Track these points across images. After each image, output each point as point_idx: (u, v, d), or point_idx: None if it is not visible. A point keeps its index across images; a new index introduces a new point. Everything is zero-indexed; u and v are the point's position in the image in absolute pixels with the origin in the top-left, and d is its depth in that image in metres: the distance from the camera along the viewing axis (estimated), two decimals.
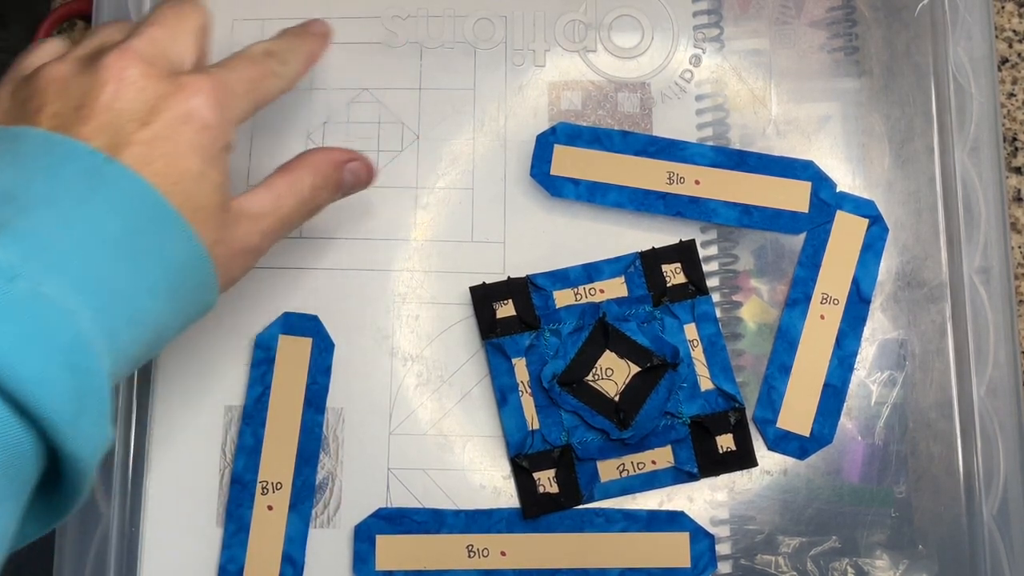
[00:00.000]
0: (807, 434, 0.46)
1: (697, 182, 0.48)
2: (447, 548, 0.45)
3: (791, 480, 0.46)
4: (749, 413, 0.46)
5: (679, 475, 0.46)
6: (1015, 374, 0.45)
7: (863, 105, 0.50)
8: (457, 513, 0.45)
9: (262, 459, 0.45)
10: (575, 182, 0.48)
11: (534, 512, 0.45)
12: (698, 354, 0.46)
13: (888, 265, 0.48)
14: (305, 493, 0.45)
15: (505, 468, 0.46)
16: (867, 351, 0.47)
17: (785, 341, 0.47)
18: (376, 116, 0.50)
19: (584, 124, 0.49)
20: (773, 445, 0.46)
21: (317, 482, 0.46)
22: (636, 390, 0.45)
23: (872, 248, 0.48)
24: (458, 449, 0.46)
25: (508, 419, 0.46)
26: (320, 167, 0.42)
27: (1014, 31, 0.53)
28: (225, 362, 0.47)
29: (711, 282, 0.48)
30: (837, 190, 0.48)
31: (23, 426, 0.30)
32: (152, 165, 0.35)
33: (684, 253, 0.47)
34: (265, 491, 0.45)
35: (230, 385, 0.47)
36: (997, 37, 0.52)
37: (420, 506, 0.45)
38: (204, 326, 0.47)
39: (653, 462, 0.46)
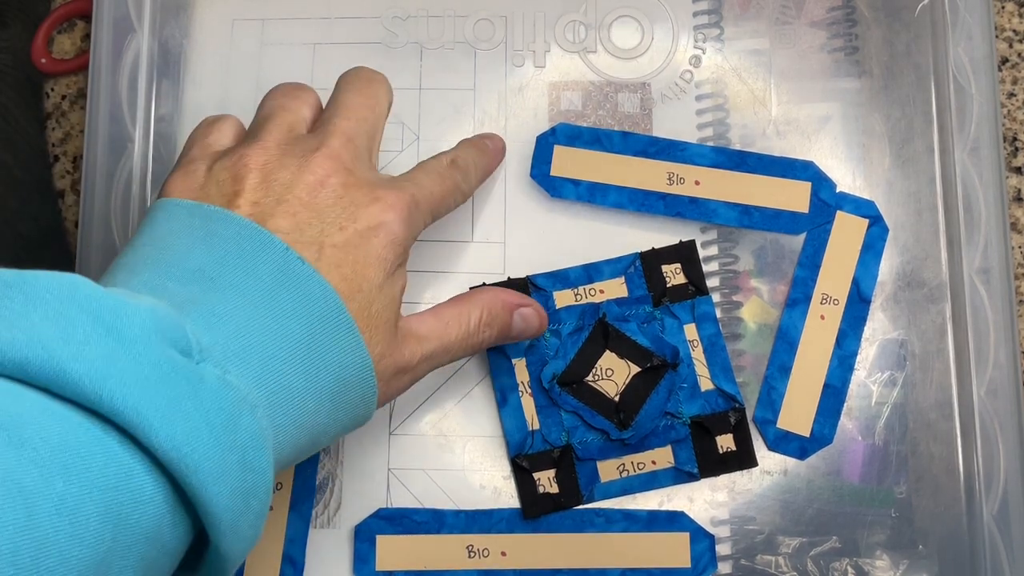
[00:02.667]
0: (807, 434, 0.46)
1: (697, 182, 0.48)
2: (447, 548, 0.45)
3: (791, 480, 0.46)
4: (749, 413, 0.46)
5: (679, 475, 0.45)
6: (1015, 374, 0.45)
7: (863, 105, 0.50)
8: (457, 513, 0.45)
9: None
10: (575, 183, 0.48)
11: (534, 512, 0.45)
12: (698, 354, 0.46)
13: (888, 265, 0.48)
14: (305, 493, 0.45)
15: (505, 468, 0.46)
16: (867, 351, 0.47)
17: (785, 341, 0.47)
18: None
19: (584, 124, 0.49)
20: (773, 445, 0.46)
21: (317, 482, 0.46)
22: (636, 390, 0.45)
23: (872, 248, 0.48)
24: (458, 449, 0.46)
25: (508, 419, 0.46)
26: (490, 305, 0.42)
27: (1014, 31, 0.53)
28: None
29: (711, 282, 0.48)
30: (837, 190, 0.48)
31: (185, 516, 0.30)
32: (339, 270, 0.36)
33: (684, 253, 0.47)
34: None
35: None
36: (997, 37, 0.52)
37: (420, 506, 0.45)
38: None
39: (653, 462, 0.45)
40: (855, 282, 0.47)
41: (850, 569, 0.45)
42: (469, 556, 0.45)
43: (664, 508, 0.46)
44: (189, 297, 0.33)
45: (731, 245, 0.48)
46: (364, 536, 0.45)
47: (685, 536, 0.45)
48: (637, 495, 0.46)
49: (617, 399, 0.45)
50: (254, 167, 0.37)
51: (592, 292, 0.47)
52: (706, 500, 0.46)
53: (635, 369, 0.46)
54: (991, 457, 0.45)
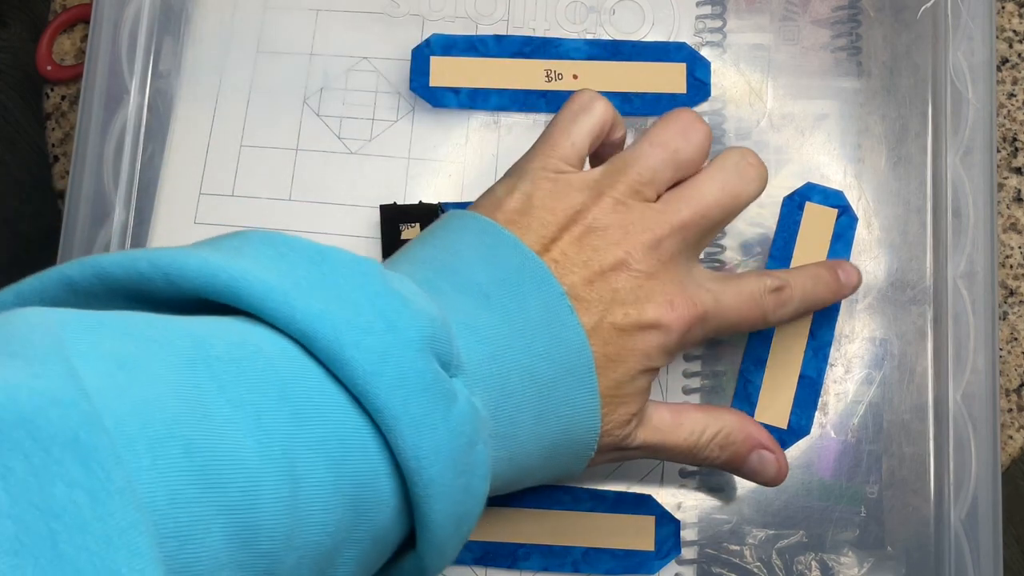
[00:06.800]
0: (785, 426, 0.46)
1: (575, 76, 0.49)
2: None
3: None
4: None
5: None
6: (992, 380, 0.45)
7: (862, 105, 0.50)
8: None
9: None
10: (455, 91, 0.49)
11: None
12: None
13: (874, 265, 0.48)
14: None
15: None
16: (847, 349, 0.47)
17: (759, 334, 0.47)
18: (374, 85, 0.50)
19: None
20: None
21: None
22: None
23: (843, 238, 0.48)
24: None
25: None
26: (731, 429, 0.41)
27: (1014, 31, 0.53)
28: None
29: None
30: (810, 182, 0.48)
31: (406, 523, 0.31)
32: (605, 346, 0.36)
33: None
34: None
35: None
36: (997, 37, 0.52)
37: None
38: None
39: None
40: None
41: (815, 564, 0.45)
42: None
43: (632, 491, 0.46)
44: (460, 307, 0.34)
45: (719, 235, 0.48)
46: None
47: (651, 519, 0.45)
48: (607, 478, 0.46)
49: None
50: (581, 223, 0.37)
51: None
52: (675, 485, 0.46)
53: None
54: (963, 462, 0.45)
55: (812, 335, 0.47)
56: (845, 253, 0.47)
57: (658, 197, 0.39)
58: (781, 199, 0.48)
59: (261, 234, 0.32)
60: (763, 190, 0.40)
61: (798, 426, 0.46)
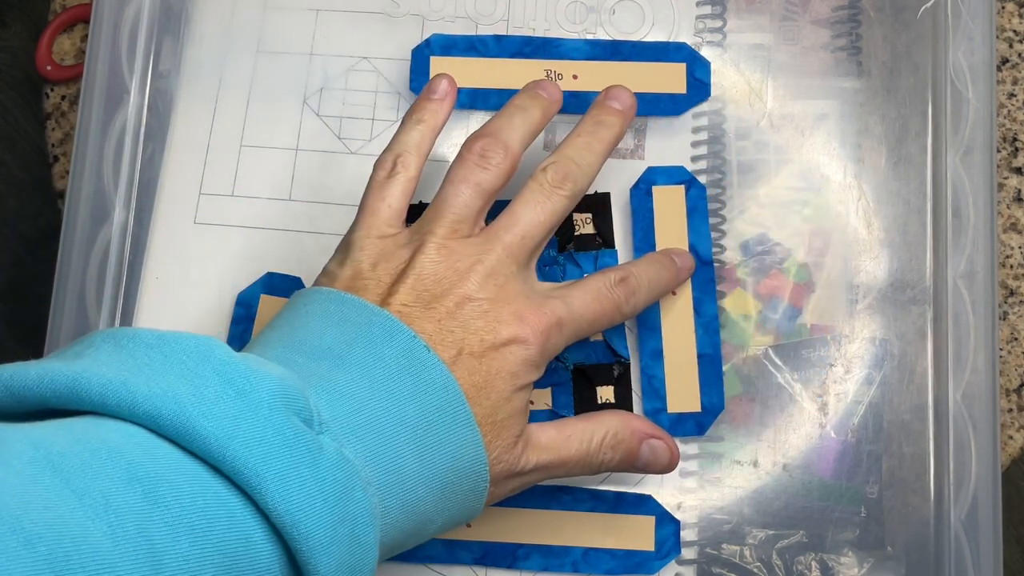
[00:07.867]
0: (699, 409, 0.46)
1: (575, 76, 0.49)
2: None
3: (761, 472, 0.46)
4: (637, 409, 0.46)
5: (554, 418, 0.45)
6: (992, 380, 0.45)
7: (862, 105, 0.50)
8: None
9: None
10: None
11: None
12: None
13: (874, 265, 0.48)
14: None
15: None
16: (847, 349, 0.47)
17: (647, 327, 0.47)
18: (373, 85, 0.50)
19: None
20: (672, 431, 0.46)
21: None
22: None
23: (697, 210, 0.47)
24: None
25: None
26: (616, 428, 0.41)
27: (1014, 31, 0.53)
28: (206, 317, 0.47)
29: None
30: (650, 166, 0.48)
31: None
32: (471, 377, 0.37)
33: (597, 205, 0.47)
34: None
35: None
36: (997, 37, 0.52)
37: None
38: (188, 279, 0.48)
39: (531, 402, 0.45)
40: (692, 248, 0.47)
41: (815, 564, 0.45)
42: None
43: (633, 491, 0.46)
44: (316, 372, 0.35)
45: (719, 236, 0.48)
46: None
47: (651, 520, 0.45)
48: (607, 475, 0.46)
49: None
50: (412, 274, 0.38)
51: None
52: (675, 486, 0.46)
53: None
54: (963, 462, 0.45)
55: (697, 312, 0.47)
56: (704, 224, 0.47)
57: (479, 229, 0.41)
58: (778, 200, 0.48)
59: (104, 332, 0.33)
60: (578, 199, 0.42)
61: (710, 405, 0.46)
